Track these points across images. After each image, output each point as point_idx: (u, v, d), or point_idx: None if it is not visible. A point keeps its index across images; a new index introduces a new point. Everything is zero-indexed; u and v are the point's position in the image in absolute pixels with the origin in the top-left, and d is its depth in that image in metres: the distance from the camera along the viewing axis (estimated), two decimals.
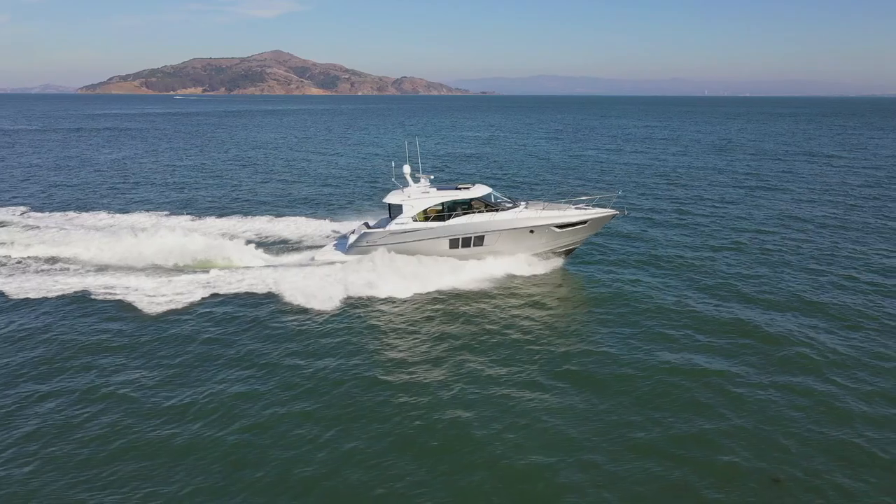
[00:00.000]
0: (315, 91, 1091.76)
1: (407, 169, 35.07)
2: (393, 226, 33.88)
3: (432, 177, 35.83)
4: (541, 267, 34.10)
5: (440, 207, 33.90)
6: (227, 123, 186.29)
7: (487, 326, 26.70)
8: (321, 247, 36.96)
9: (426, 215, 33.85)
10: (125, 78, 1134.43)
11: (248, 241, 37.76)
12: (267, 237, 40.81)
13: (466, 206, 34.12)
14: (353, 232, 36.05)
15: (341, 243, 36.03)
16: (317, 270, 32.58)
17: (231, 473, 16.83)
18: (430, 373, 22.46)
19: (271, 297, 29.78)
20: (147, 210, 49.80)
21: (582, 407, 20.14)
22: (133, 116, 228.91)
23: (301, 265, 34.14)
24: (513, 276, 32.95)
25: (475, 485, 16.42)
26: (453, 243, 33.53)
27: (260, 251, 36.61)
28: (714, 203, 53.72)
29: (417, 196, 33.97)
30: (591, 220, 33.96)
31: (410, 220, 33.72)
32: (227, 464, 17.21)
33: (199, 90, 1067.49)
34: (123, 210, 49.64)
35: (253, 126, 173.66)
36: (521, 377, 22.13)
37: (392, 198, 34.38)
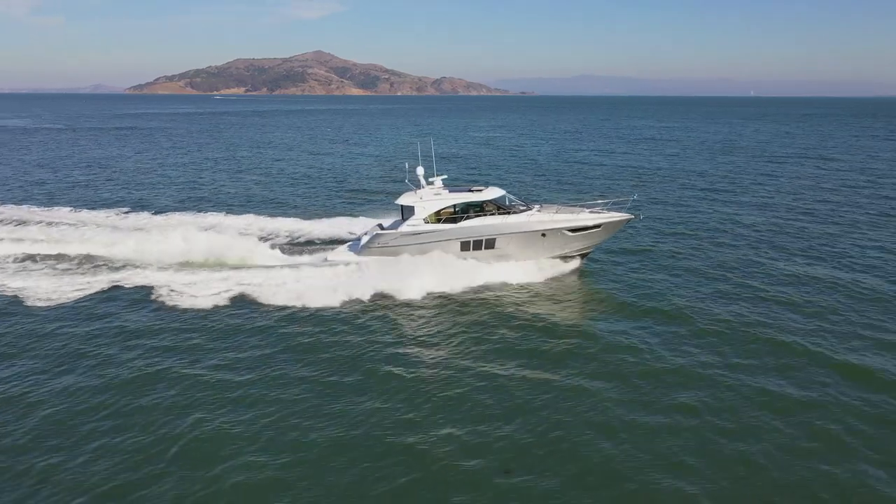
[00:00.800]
0: (355, 91, 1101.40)
1: (420, 170, 34.99)
2: (405, 227, 33.80)
3: (445, 177, 35.66)
4: (553, 271, 33.63)
5: (452, 209, 33.72)
6: (252, 123, 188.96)
7: (495, 330, 26.30)
8: (335, 247, 37.08)
9: (438, 217, 33.70)
10: (171, 78, 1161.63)
11: (264, 240, 38.12)
12: (282, 236, 41.06)
13: (479, 209, 33.89)
14: (366, 233, 36.12)
15: (355, 244, 36.08)
16: (328, 271, 32.70)
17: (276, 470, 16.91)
18: (429, 376, 22.26)
19: (281, 299, 29.72)
20: (163, 209, 50.45)
21: (587, 410, 19.73)
22: (157, 116, 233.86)
23: (314, 265, 34.27)
24: (524, 280, 32.53)
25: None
26: (464, 246, 33.28)
27: (275, 251, 36.84)
28: (736, 207, 52.36)
29: (429, 198, 33.83)
30: (604, 223, 33.34)
31: (422, 221, 33.60)
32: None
33: (241, 90, 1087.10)
34: (142, 207, 50.51)
35: (275, 125, 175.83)
36: (523, 379, 21.79)
37: (404, 199, 34.30)
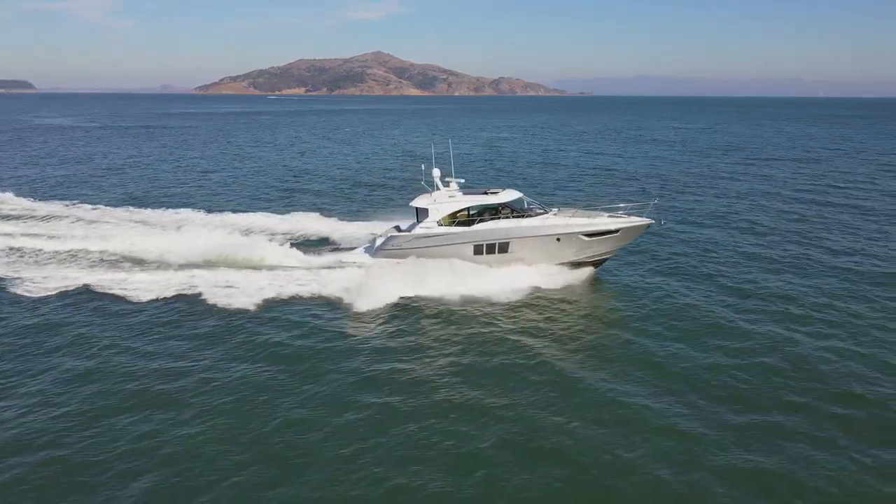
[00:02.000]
0: (413, 91, 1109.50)
1: (436, 172, 34.60)
2: (418, 230, 33.52)
3: (462, 180, 35.20)
4: (569, 276, 32.76)
5: (466, 212, 33.24)
6: (292, 122, 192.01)
7: (506, 336, 25.88)
8: (352, 248, 37.03)
9: (453, 220, 33.26)
10: (235, 79, 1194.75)
11: (286, 240, 38.50)
12: (303, 236, 41.27)
13: (494, 212, 33.32)
14: (381, 235, 35.93)
15: (371, 246, 35.96)
16: (340, 273, 32.66)
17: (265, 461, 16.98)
18: (432, 377, 21.93)
19: (283, 299, 29.84)
20: (187, 206, 51.33)
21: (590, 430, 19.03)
22: (195, 115, 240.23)
23: (330, 267, 34.27)
24: (539, 285, 31.78)
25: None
26: (478, 249, 32.77)
27: (294, 251, 36.97)
28: (771, 214, 50.07)
29: (444, 200, 33.46)
30: (622, 229, 32.31)
31: (436, 224, 33.26)
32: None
33: (301, 90, 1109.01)
34: (169, 205, 51.62)
35: (307, 125, 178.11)
36: (535, 387, 21.22)
37: (419, 201, 34.02)
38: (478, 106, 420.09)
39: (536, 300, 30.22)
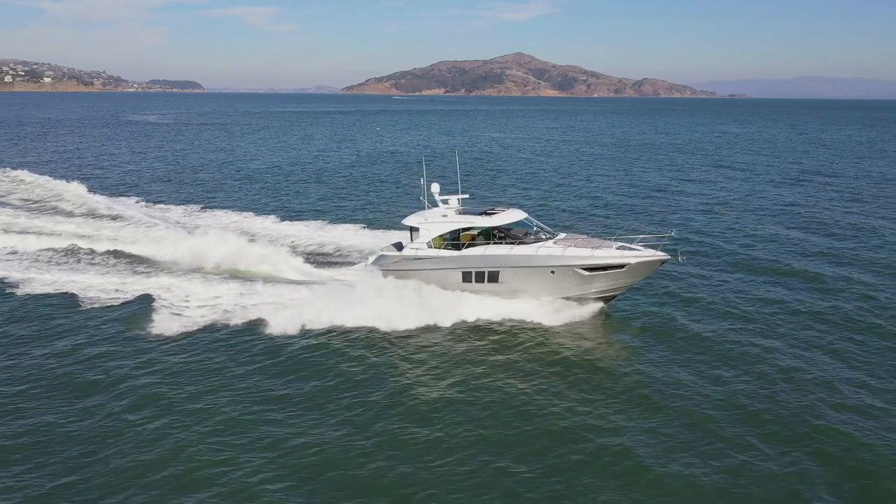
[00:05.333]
0: (550, 92, 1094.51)
1: (435, 187, 31.78)
2: (407, 250, 30.93)
3: (466, 196, 32.12)
4: (570, 313, 28.73)
5: (457, 234, 30.15)
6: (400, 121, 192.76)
7: (479, 379, 22.96)
8: (356, 263, 35.15)
9: (444, 242, 30.29)
10: (379, 80, 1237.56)
11: (300, 251, 37.82)
12: (338, 249, 39.72)
13: (488, 236, 30.01)
14: (379, 251, 33.60)
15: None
16: (323, 289, 30.73)
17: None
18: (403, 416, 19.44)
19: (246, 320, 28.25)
20: (228, 208, 51.81)
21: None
22: (287, 114, 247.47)
23: (333, 281, 32.46)
24: (529, 321, 28.11)
25: None
26: (466, 276, 29.59)
27: (307, 264, 35.47)
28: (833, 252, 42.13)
29: (436, 220, 30.60)
30: (630, 264, 27.72)
31: (426, 245, 30.47)
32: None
33: (441, 91, 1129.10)
34: (214, 206, 52.28)
35: (405, 125, 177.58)
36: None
37: (411, 219, 31.38)
38: (602, 107, 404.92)
39: (523, 336, 26.70)
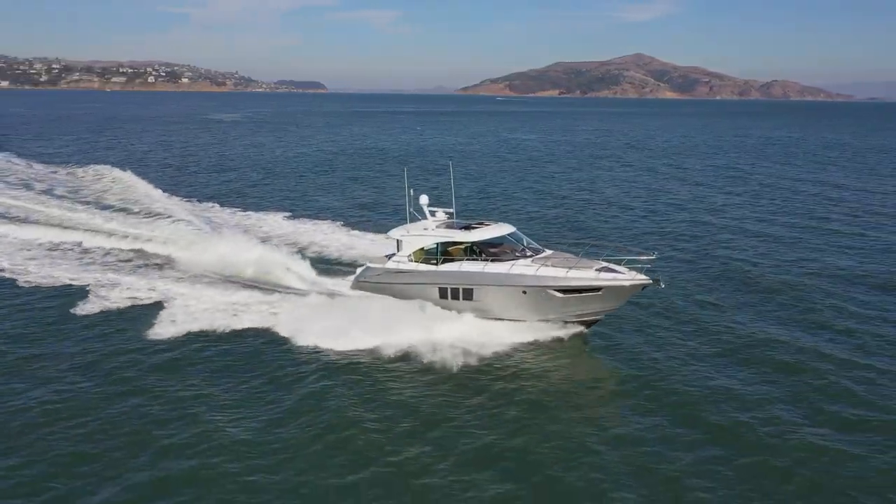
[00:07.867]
0: (669, 94, 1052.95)
1: (424, 199, 31.06)
2: (390, 264, 30.41)
3: (452, 210, 31.18)
4: (548, 335, 27.19)
5: (434, 248, 29.24)
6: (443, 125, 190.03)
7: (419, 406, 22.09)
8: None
9: (427, 254, 29.47)
10: (494, 81, 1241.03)
11: (314, 257, 37.79)
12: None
13: (469, 251, 28.96)
14: (367, 263, 33.14)
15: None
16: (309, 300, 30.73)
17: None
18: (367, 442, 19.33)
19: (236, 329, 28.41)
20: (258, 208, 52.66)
21: None
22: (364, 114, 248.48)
23: (332, 292, 32.34)
24: (502, 342, 26.71)
25: None
26: (443, 293, 28.67)
27: (316, 274, 35.39)
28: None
29: (417, 232, 29.92)
30: (605, 287, 25.71)
31: (407, 259, 29.81)
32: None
33: (556, 92, 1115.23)
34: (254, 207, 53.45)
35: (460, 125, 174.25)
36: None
37: (395, 232, 30.83)
38: (722, 109, 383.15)
39: (484, 358, 25.46)
